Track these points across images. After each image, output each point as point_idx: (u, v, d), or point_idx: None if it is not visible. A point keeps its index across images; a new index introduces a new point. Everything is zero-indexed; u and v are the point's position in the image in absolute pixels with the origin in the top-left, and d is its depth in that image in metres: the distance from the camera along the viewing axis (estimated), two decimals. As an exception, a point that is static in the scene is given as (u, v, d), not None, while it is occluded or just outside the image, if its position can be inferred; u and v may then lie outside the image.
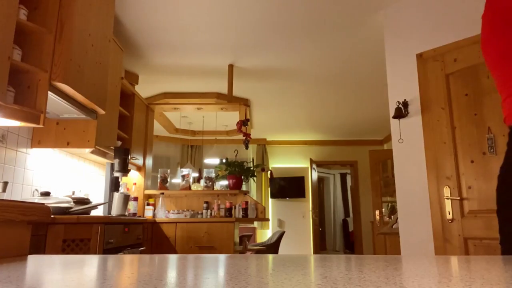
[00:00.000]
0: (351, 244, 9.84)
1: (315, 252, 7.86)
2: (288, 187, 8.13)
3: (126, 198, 3.20)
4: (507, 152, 0.82)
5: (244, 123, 4.67)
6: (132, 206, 3.82)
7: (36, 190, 2.72)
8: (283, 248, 7.14)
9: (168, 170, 4.64)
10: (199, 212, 4.30)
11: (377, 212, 6.72)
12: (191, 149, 8.09)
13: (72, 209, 2.36)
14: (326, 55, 4.19)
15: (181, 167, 6.64)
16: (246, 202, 4.31)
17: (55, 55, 2.20)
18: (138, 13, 3.40)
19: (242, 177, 4.49)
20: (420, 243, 2.71)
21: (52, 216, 1.97)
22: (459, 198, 2.54)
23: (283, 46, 4.04)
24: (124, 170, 3.29)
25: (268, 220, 4.78)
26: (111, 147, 3.28)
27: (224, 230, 3.79)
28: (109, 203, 3.30)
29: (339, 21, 3.49)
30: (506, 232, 0.79)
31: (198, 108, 5.36)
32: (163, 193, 4.28)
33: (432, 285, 0.33)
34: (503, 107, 0.84)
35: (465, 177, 2.54)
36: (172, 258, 0.59)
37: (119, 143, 3.75)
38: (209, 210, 4.26)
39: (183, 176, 4.53)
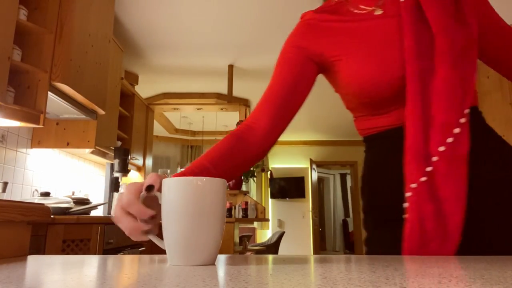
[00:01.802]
0: (351, 244, 9.84)
1: (315, 252, 7.86)
2: (288, 187, 8.13)
3: (126, 199, 3.19)
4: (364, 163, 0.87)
5: (244, 123, 4.66)
6: (132, 207, 3.81)
7: (36, 190, 2.72)
8: (283, 249, 7.14)
9: (168, 171, 4.64)
10: (199, 213, 4.29)
11: (377, 212, 6.70)
12: (191, 149, 8.09)
13: (72, 210, 2.35)
14: (326, 55, 4.19)
15: (181, 168, 6.64)
16: (246, 203, 4.31)
17: (55, 56, 2.21)
18: (138, 13, 3.40)
19: (242, 178, 4.50)
20: (420, 243, 2.70)
21: (52, 216, 1.97)
22: (459, 198, 2.54)
23: (283, 46, 4.04)
24: (124, 171, 3.29)
25: (268, 220, 4.78)
26: (111, 148, 3.28)
27: (224, 230, 3.79)
28: (109, 203, 3.30)
29: (339, 22, 3.49)
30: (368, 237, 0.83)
31: (198, 109, 5.36)
32: (163, 194, 4.27)
33: (432, 285, 0.33)
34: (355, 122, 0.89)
35: (465, 177, 2.54)
36: (172, 259, 0.58)
37: (119, 143, 3.75)
38: (209, 211, 4.25)
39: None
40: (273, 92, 0.83)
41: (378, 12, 0.78)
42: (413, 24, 0.73)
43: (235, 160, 0.76)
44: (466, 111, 0.70)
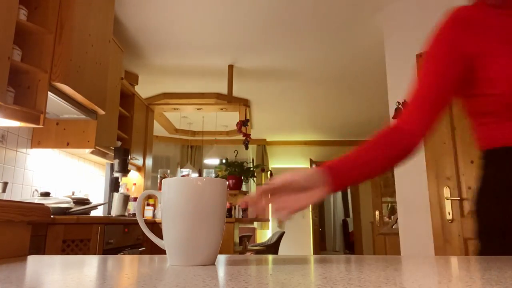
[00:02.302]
0: (351, 244, 9.84)
1: (315, 252, 7.86)
2: (288, 187, 8.11)
3: (126, 199, 3.20)
4: (484, 177, 0.83)
5: (244, 123, 4.67)
6: (132, 207, 3.82)
7: (36, 190, 2.72)
8: (283, 249, 7.14)
9: (168, 171, 4.64)
10: (199, 213, 4.28)
11: (377, 212, 6.71)
12: (191, 149, 8.09)
13: (72, 210, 2.35)
14: (326, 56, 4.19)
15: (181, 168, 6.64)
16: (246, 203, 4.29)
17: (55, 56, 2.20)
18: (138, 13, 3.40)
19: (242, 178, 4.49)
20: (420, 244, 2.71)
21: (52, 216, 1.97)
22: (459, 198, 2.53)
23: (283, 46, 4.04)
24: (124, 171, 3.28)
25: (268, 220, 4.77)
26: (111, 148, 3.28)
27: (224, 230, 3.79)
28: (109, 203, 3.30)
29: (338, 22, 3.49)
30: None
31: (198, 109, 5.36)
32: (163, 194, 4.26)
33: (432, 285, 0.33)
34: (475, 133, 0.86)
35: (465, 178, 2.54)
36: (172, 259, 0.58)
37: (119, 143, 3.75)
38: (209, 211, 4.24)
39: (183, 177, 4.53)
40: (424, 92, 0.81)
41: None
42: None
43: (385, 152, 0.78)
44: None
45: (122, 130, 3.81)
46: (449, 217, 2.56)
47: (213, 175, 4.61)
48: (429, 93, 0.80)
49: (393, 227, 4.36)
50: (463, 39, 0.79)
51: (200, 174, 5.89)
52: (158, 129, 6.71)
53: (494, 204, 0.79)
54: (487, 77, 0.77)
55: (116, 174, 3.29)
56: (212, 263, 0.51)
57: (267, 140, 8.25)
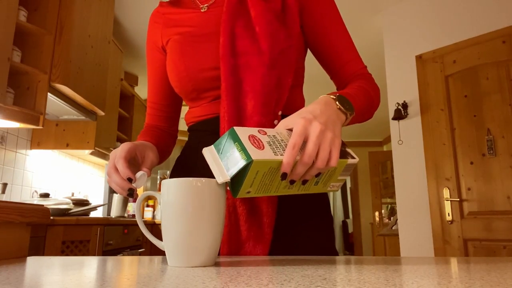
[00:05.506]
0: (350, 245, 9.84)
1: (315, 253, 7.84)
2: (287, 188, 8.11)
3: (126, 200, 3.20)
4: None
5: (243, 124, 4.66)
6: (131, 208, 3.82)
7: (36, 191, 2.72)
8: (282, 250, 7.11)
9: (168, 171, 4.64)
10: (199, 214, 4.28)
11: (376, 213, 6.72)
12: (190, 150, 8.09)
13: (72, 211, 2.35)
14: (326, 57, 4.19)
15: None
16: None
17: (54, 57, 2.21)
18: (138, 14, 3.40)
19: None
20: (420, 245, 2.71)
21: (51, 217, 1.96)
22: (458, 199, 2.54)
23: (282, 48, 4.04)
24: (124, 172, 3.28)
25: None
26: (111, 149, 3.28)
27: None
28: (108, 204, 3.30)
29: (338, 23, 3.49)
30: None
31: (197, 110, 5.35)
32: (162, 195, 4.26)
33: (431, 286, 0.33)
34: None
35: (465, 179, 2.54)
36: (172, 260, 0.58)
37: (119, 144, 3.75)
38: (208, 212, 4.24)
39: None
40: (151, 97, 0.91)
41: (204, 9, 0.82)
42: (231, 21, 0.74)
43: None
44: (280, 113, 0.72)
45: (121, 131, 3.81)
46: (449, 218, 2.56)
47: (213, 176, 4.61)
48: (156, 97, 0.90)
49: (393, 228, 4.36)
50: (156, 36, 0.87)
51: (200, 175, 5.87)
52: (157, 130, 6.69)
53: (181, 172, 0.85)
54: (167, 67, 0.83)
55: (115, 175, 3.28)
56: (212, 264, 0.51)
57: (266, 141, 8.23)
